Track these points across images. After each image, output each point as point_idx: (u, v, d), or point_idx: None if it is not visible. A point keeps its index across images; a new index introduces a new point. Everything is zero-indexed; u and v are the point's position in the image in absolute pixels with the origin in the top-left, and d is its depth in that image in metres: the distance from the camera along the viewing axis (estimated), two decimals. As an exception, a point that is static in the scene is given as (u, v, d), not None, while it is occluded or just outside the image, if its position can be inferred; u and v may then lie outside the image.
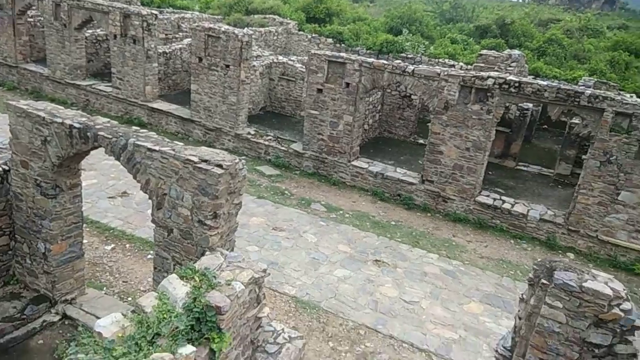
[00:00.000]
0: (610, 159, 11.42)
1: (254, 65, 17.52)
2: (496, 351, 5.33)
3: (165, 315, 4.63)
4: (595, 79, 18.63)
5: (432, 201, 13.85)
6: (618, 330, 4.62)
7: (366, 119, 16.50)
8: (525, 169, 15.97)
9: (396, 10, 30.39)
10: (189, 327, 4.56)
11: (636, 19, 51.21)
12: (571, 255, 12.05)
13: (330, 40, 25.33)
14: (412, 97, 17.27)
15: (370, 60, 13.85)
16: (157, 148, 6.53)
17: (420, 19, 28.85)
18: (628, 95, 14.47)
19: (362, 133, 15.89)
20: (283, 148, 15.83)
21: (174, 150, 6.52)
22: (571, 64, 23.78)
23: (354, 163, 14.88)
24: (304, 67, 18.32)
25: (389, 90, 17.52)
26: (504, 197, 13.43)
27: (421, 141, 16.93)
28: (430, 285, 10.22)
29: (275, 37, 25.25)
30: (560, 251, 12.18)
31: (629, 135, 11.14)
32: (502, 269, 11.12)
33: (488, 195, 13.47)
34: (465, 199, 13.37)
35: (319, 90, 14.56)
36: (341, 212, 13.11)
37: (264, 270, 5.73)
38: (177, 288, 5.04)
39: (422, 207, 13.83)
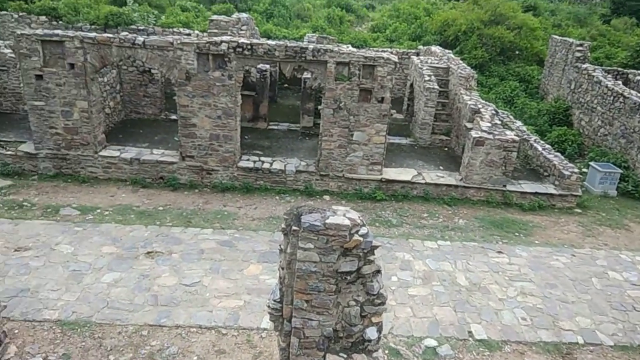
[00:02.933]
0: (340, 105, 12.88)
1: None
2: (268, 306, 5.55)
3: None
4: (318, 35, 20.57)
5: (196, 176, 13.58)
6: (361, 254, 5.22)
7: (106, 102, 14.97)
8: (276, 127, 16.93)
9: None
10: None
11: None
12: (327, 197, 13.42)
13: (43, 17, 21.85)
14: (152, 71, 16.28)
15: (93, 35, 12.37)
16: None
17: (145, -13, 27.11)
18: (344, 46, 16.44)
19: (105, 118, 14.40)
20: (10, 152, 13.28)
21: None
22: (296, 22, 25.75)
23: (103, 153, 13.45)
24: (13, 52, 15.41)
25: (125, 67, 16.16)
26: (262, 158, 14.02)
27: (173, 117, 16.25)
28: (208, 261, 10.10)
29: (-33, 21, 20.52)
30: (317, 196, 13.43)
31: (350, 82, 12.68)
32: (272, 225, 11.68)
33: (248, 159, 13.86)
34: (228, 167, 13.48)
35: (39, 77, 12.47)
36: (98, 210, 11.79)
37: (-5, 307, 4.69)
38: None
39: (189, 185, 13.46)
